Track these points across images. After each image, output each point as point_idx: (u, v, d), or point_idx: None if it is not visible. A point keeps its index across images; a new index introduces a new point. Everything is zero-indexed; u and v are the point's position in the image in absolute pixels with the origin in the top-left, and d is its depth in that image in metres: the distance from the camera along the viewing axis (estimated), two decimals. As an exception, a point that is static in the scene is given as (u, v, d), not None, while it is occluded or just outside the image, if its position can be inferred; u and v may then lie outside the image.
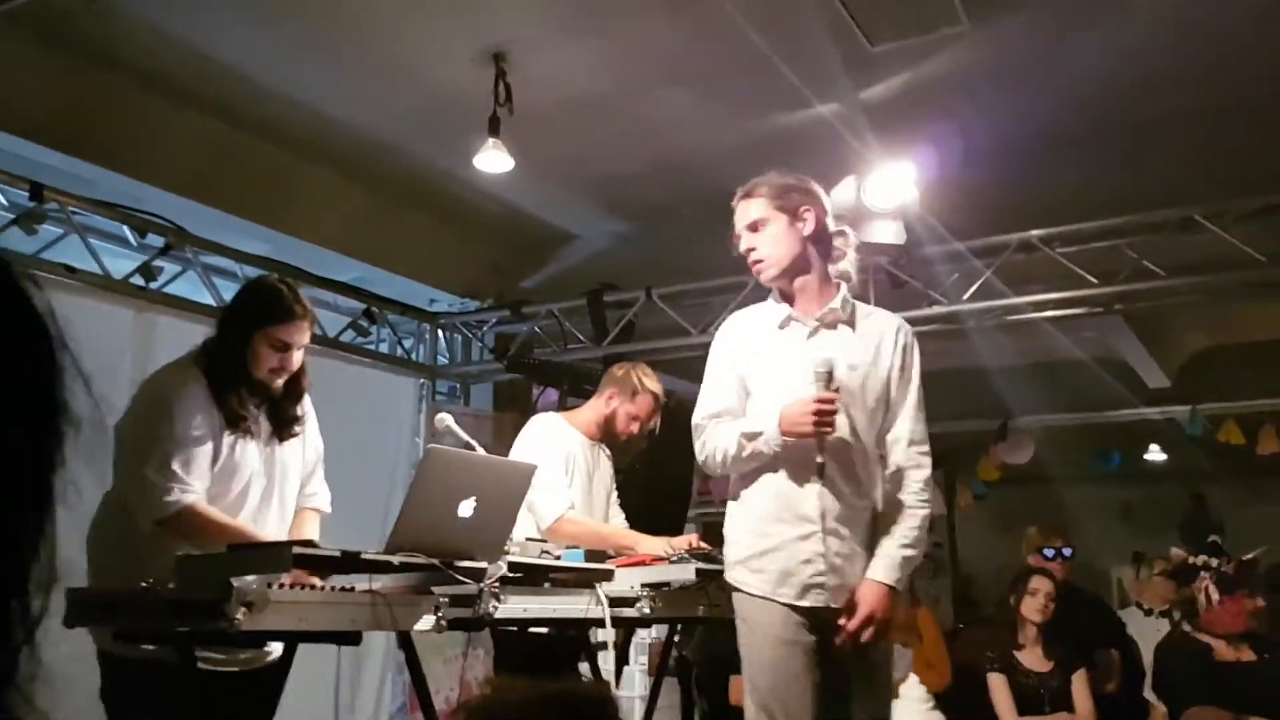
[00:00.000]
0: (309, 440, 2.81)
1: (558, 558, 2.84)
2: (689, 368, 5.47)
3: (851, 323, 2.47)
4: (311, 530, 2.78)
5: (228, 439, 2.53)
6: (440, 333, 6.28)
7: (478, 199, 5.44)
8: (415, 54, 4.16)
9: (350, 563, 2.19)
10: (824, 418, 2.27)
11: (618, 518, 3.73)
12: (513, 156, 4.31)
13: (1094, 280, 4.71)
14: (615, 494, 3.78)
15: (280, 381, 2.63)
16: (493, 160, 4.29)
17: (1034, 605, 4.40)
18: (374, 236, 5.55)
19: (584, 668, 3.40)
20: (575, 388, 5.43)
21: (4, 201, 4.21)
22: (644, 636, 5.58)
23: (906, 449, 2.44)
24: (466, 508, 2.37)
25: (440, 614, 2.34)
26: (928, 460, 2.45)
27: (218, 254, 4.92)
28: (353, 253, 5.46)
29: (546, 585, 2.76)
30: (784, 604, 2.37)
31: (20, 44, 3.95)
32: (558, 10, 3.88)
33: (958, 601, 9.68)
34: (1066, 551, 4.93)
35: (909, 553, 2.38)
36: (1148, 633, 5.19)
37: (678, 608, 3.13)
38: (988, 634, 4.73)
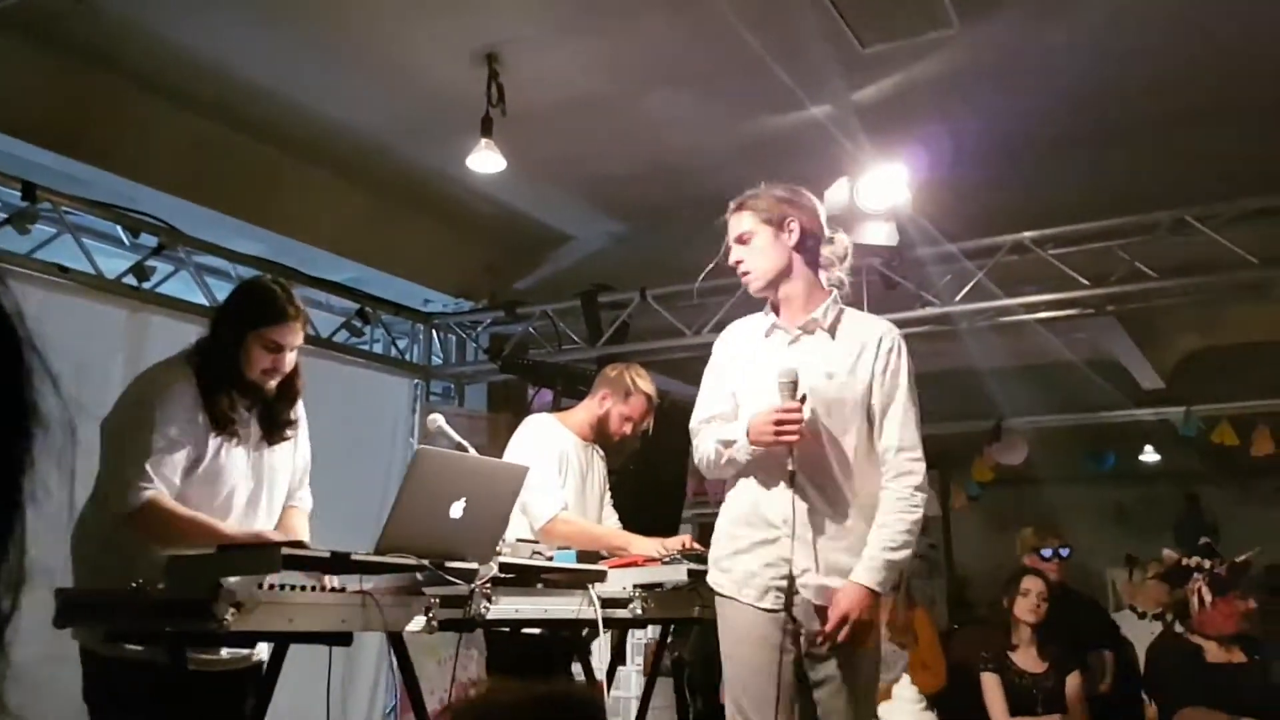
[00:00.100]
0: (300, 446, 2.79)
1: (550, 559, 2.84)
2: (683, 368, 5.49)
3: (833, 330, 2.49)
4: (302, 529, 2.77)
5: (214, 441, 2.52)
6: (435, 333, 6.28)
7: (472, 199, 5.44)
8: (409, 54, 4.17)
9: (340, 563, 2.19)
10: (784, 427, 2.31)
11: (611, 518, 3.73)
12: (507, 157, 4.32)
13: (1086, 282, 4.71)
14: (609, 495, 3.78)
15: (272, 383, 2.61)
16: (485, 161, 4.29)
17: (1026, 606, 4.41)
18: (368, 237, 5.55)
19: (577, 668, 3.40)
20: (569, 388, 5.42)
21: (-3, 201, 4.20)
22: (640, 637, 5.59)
23: (895, 455, 2.44)
24: (457, 509, 2.37)
25: (431, 615, 2.34)
26: (919, 466, 2.44)
27: (211, 254, 4.91)
28: (347, 253, 5.45)
29: (539, 586, 2.76)
30: (747, 604, 2.43)
31: (13, 44, 3.95)
32: (551, 11, 3.89)
33: (952, 602, 9.70)
34: (1064, 552, 4.94)
35: (893, 555, 2.37)
36: (1141, 635, 5.20)
37: (670, 608, 3.14)
38: (982, 634, 4.74)
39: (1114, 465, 8.64)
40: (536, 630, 3.06)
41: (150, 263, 4.62)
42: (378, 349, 5.97)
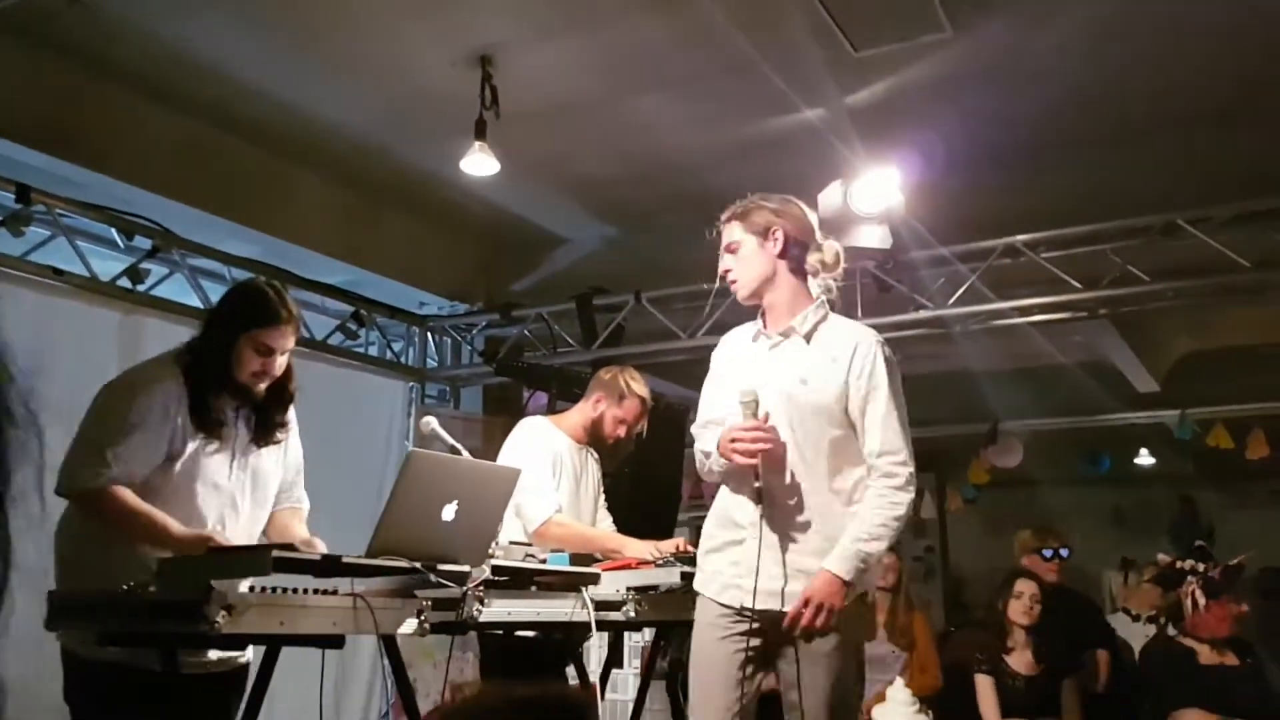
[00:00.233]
0: (290, 449, 2.77)
1: (543, 561, 2.84)
2: (678, 371, 5.50)
3: (809, 336, 2.52)
4: (301, 529, 2.77)
5: (196, 440, 2.50)
6: (429, 336, 6.28)
7: (467, 202, 5.45)
8: (403, 56, 4.17)
9: (331, 566, 2.19)
10: (738, 447, 2.37)
11: (605, 521, 3.73)
12: (501, 159, 4.32)
13: (1079, 285, 4.73)
14: (603, 497, 3.78)
15: (262, 386, 2.60)
16: (479, 163, 4.30)
17: (1019, 608, 4.41)
18: (362, 239, 5.56)
19: (571, 671, 3.40)
20: (564, 391, 5.42)
21: (-9, 203, 4.20)
22: (638, 640, 5.59)
23: (878, 460, 2.45)
24: (449, 511, 2.37)
25: (424, 617, 2.35)
26: (902, 470, 2.43)
27: (205, 256, 4.91)
28: (340, 255, 5.46)
29: (532, 589, 2.76)
30: (709, 598, 2.51)
31: (6, 45, 3.95)
32: (545, 13, 3.89)
33: (949, 605, 9.70)
34: (1064, 553, 4.94)
35: (865, 546, 2.37)
36: (1135, 638, 5.21)
37: (664, 611, 3.13)
38: (977, 637, 4.74)
39: (1109, 468, 8.64)
40: (530, 633, 3.06)
41: (145, 265, 4.63)
42: (373, 351, 5.97)
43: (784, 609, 2.39)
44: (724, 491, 2.57)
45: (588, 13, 3.86)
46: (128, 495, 2.39)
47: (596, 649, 2.96)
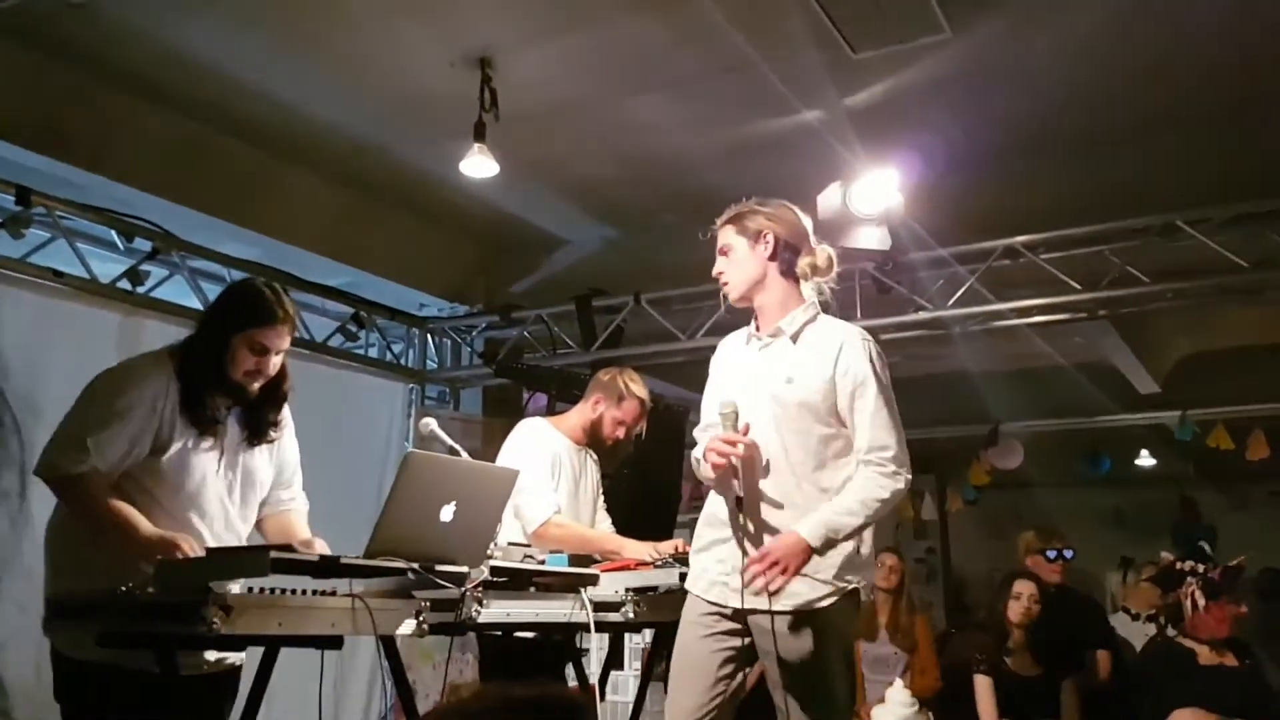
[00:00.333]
0: (284, 448, 2.77)
1: (541, 562, 2.84)
2: (677, 372, 5.51)
3: (796, 337, 2.55)
4: (303, 530, 2.76)
5: (183, 435, 2.49)
6: (429, 337, 6.29)
7: (466, 203, 5.46)
8: (402, 58, 4.18)
9: (330, 567, 2.19)
10: (712, 458, 2.41)
11: (605, 522, 3.74)
12: (501, 161, 4.33)
13: (1078, 286, 4.73)
14: (602, 499, 3.78)
15: (256, 385, 2.59)
16: (479, 165, 4.31)
17: (1018, 609, 4.42)
18: (361, 240, 5.57)
19: (571, 672, 3.40)
20: (564, 393, 5.43)
21: (-10, 205, 4.21)
22: (638, 642, 5.59)
23: (867, 454, 2.46)
24: (447, 512, 2.37)
25: (422, 618, 2.34)
26: (891, 464, 2.44)
27: (205, 258, 4.91)
28: (339, 256, 5.47)
29: (531, 590, 2.76)
30: (697, 595, 2.56)
31: (5, 48, 3.96)
32: (544, 14, 3.90)
33: (950, 606, 9.70)
34: (1067, 554, 4.95)
35: (837, 519, 2.38)
36: (1136, 638, 5.21)
37: (663, 612, 3.13)
38: (977, 638, 4.74)
39: (1110, 469, 8.64)
40: (530, 634, 3.06)
41: (144, 267, 4.64)
42: (373, 353, 5.98)
43: (769, 609, 2.40)
44: (713, 493, 2.63)
45: (586, 14, 3.87)
46: (101, 488, 2.38)
47: (596, 650, 2.96)
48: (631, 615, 2.97)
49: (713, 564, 2.54)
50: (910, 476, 2.46)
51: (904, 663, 5.01)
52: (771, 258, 2.57)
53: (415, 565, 2.29)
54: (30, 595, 2.57)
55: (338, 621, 2.20)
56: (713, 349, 2.77)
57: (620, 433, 3.63)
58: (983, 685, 4.37)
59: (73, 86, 4.23)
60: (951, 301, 4.92)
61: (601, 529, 3.66)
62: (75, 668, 2.35)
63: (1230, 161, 4.57)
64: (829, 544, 2.37)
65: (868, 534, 2.51)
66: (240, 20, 3.92)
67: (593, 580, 2.90)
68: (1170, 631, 4.15)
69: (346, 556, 2.21)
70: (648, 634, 4.66)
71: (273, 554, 2.09)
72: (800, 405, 2.46)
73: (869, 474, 2.43)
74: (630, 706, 3.52)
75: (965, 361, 5.88)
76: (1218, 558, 4.24)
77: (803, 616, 2.42)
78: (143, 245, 4.66)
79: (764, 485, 2.47)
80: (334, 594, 2.23)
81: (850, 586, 2.45)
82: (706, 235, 2.67)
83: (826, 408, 2.46)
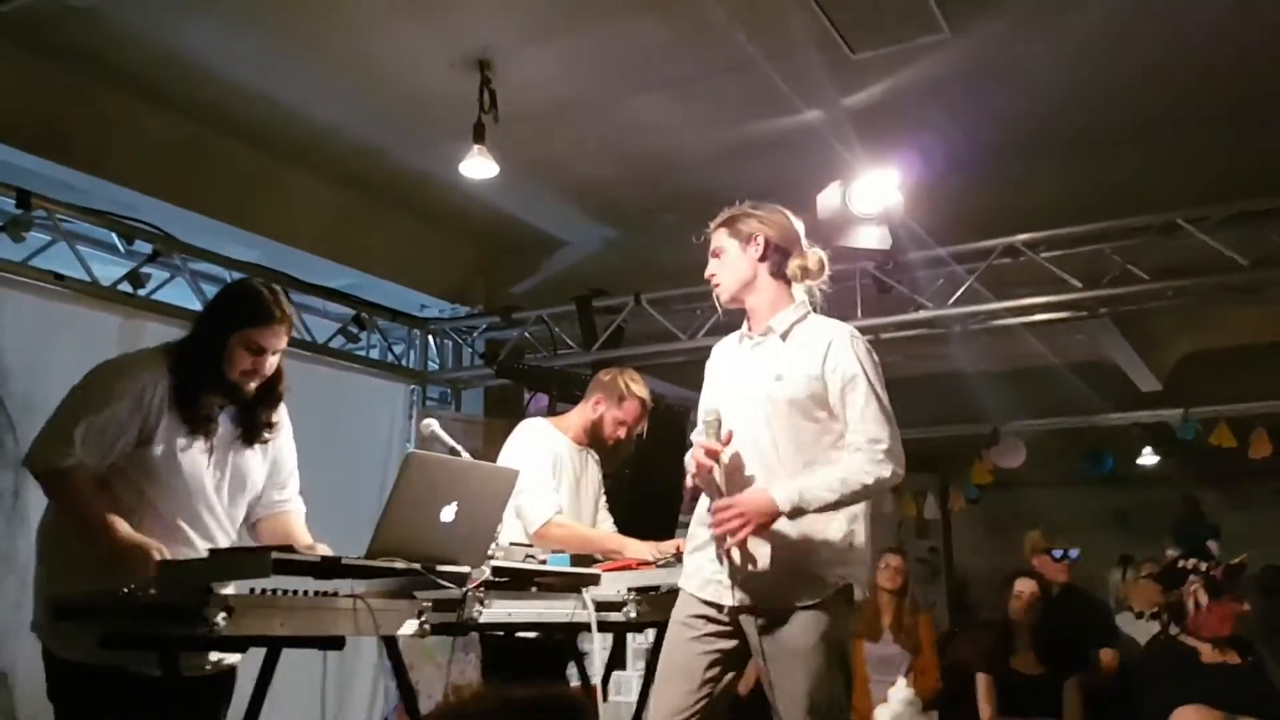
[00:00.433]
0: (280, 449, 2.76)
1: (543, 562, 2.84)
2: (678, 372, 5.50)
3: (785, 335, 2.58)
4: (303, 533, 2.76)
5: (172, 431, 2.48)
6: (430, 338, 6.30)
7: (466, 204, 5.46)
8: (402, 60, 4.18)
9: (331, 568, 2.19)
10: (689, 466, 2.46)
11: (606, 522, 3.74)
12: (500, 162, 4.34)
13: (1078, 284, 4.73)
14: (603, 498, 3.79)
15: (252, 385, 2.58)
16: (478, 167, 4.31)
17: (1018, 608, 4.42)
18: (361, 241, 5.58)
19: (573, 672, 3.40)
20: (565, 393, 5.43)
21: (-9, 209, 4.22)
22: (641, 642, 5.58)
23: (858, 446, 2.47)
24: (449, 512, 2.37)
25: (424, 619, 2.34)
26: (879, 456, 2.44)
27: (206, 261, 4.92)
28: (340, 258, 5.48)
29: (532, 590, 2.76)
30: (690, 594, 2.58)
31: (4, 50, 3.96)
32: (543, 15, 3.90)
33: (953, 605, 9.69)
34: (1073, 553, 4.95)
35: (812, 489, 2.38)
36: (1141, 636, 5.19)
37: (665, 612, 3.12)
38: (980, 637, 4.75)
39: (1112, 468, 8.63)
40: (532, 634, 3.06)
41: (145, 270, 4.64)
42: (374, 354, 5.99)
43: (763, 604, 2.43)
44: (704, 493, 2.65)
45: (586, 14, 3.87)
46: (87, 484, 2.39)
47: (599, 650, 2.96)
48: (633, 615, 2.96)
49: (706, 563, 2.55)
50: (902, 471, 2.46)
51: (908, 663, 5.02)
52: (762, 259, 2.60)
53: (417, 566, 2.29)
54: (27, 594, 2.57)
55: (340, 622, 2.20)
56: (713, 349, 2.79)
57: (621, 433, 3.63)
58: (984, 684, 4.37)
59: (72, 88, 4.24)
60: (952, 301, 4.92)
61: (603, 529, 3.66)
62: (69, 669, 2.35)
63: (1230, 160, 4.57)
64: (798, 511, 2.38)
65: (860, 530, 2.52)
66: (240, 22, 3.93)
67: (594, 580, 2.90)
68: (1173, 630, 4.15)
69: (348, 557, 2.21)
70: (650, 634, 4.65)
71: (274, 555, 2.09)
72: (790, 402, 2.49)
73: (857, 458, 2.44)
74: (633, 707, 3.52)
75: (966, 361, 5.88)
76: (1221, 556, 4.24)
77: (795, 614, 2.43)
78: (143, 248, 4.66)
79: (758, 482, 2.48)
80: (336, 594, 2.23)
81: (843, 583, 2.46)
82: (700, 239, 2.71)
83: (815, 404, 2.49)
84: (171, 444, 2.49)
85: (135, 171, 4.50)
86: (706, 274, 2.69)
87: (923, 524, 9.51)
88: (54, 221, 4.32)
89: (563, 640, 3.23)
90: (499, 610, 2.52)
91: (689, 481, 2.53)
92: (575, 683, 3.37)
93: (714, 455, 2.44)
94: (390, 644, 2.49)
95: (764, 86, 4.16)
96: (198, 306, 4.71)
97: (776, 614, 2.44)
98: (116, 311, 4.45)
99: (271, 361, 2.59)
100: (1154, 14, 3.81)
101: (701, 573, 2.56)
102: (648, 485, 5.62)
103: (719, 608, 2.50)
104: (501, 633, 2.98)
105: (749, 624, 2.48)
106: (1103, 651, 4.83)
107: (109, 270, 4.57)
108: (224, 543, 2.59)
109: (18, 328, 4.01)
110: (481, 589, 2.45)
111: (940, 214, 4.61)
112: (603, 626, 2.85)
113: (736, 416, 2.50)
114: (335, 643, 2.30)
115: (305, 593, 2.19)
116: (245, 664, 2.54)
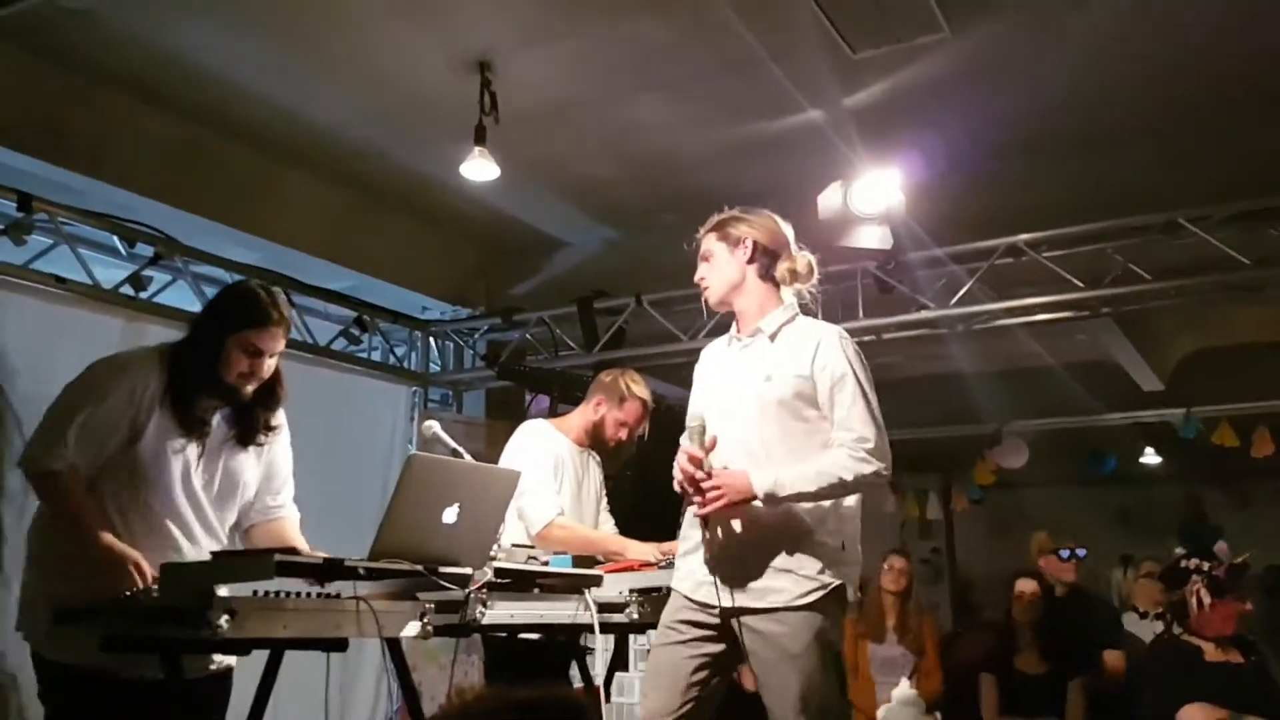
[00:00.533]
0: (276, 454, 2.74)
1: (545, 563, 2.85)
2: (679, 373, 5.49)
3: (774, 336, 2.60)
4: (297, 539, 2.75)
5: (165, 430, 2.48)
6: (432, 340, 6.30)
7: (467, 205, 5.47)
8: (402, 61, 4.18)
9: (334, 569, 2.19)
10: (675, 473, 2.48)
11: (608, 524, 3.74)
12: (501, 163, 4.34)
13: (1080, 284, 4.73)
14: (605, 500, 3.79)
15: (249, 388, 2.57)
16: (479, 169, 4.32)
17: (1020, 607, 4.42)
18: (361, 243, 5.58)
19: (576, 673, 3.40)
20: (566, 394, 5.43)
21: (-8, 212, 4.22)
22: (643, 643, 5.58)
23: (843, 443, 2.48)
24: (450, 514, 2.37)
25: (426, 620, 2.35)
26: (866, 453, 2.45)
27: (207, 263, 4.91)
28: (340, 259, 5.48)
29: (535, 591, 2.76)
30: (682, 594, 2.59)
31: (4, 52, 3.97)
32: (543, 16, 3.90)
33: (956, 606, 9.69)
34: (1080, 553, 4.95)
35: (790, 478, 2.40)
36: (1144, 635, 5.19)
37: (666, 613, 3.13)
38: (983, 637, 4.75)
39: (1115, 468, 8.63)
40: (534, 635, 3.06)
41: (147, 272, 4.64)
42: (375, 357, 5.99)
43: (754, 605, 2.44)
44: None
45: (586, 14, 3.87)
46: (77, 488, 2.39)
47: (601, 651, 2.96)
48: (635, 616, 2.97)
49: (697, 564, 2.55)
50: (887, 471, 2.47)
51: (912, 664, 5.02)
52: (750, 261, 2.63)
53: (419, 567, 2.29)
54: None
55: (343, 624, 2.21)
56: (714, 349, 2.79)
57: (622, 434, 3.63)
58: (987, 684, 4.37)
59: (71, 90, 4.24)
60: (954, 301, 4.92)
61: (605, 530, 3.66)
62: (60, 671, 2.34)
63: (1231, 159, 4.57)
64: (771, 498, 2.40)
65: (851, 531, 2.53)
66: (240, 23, 3.93)
67: (596, 581, 2.90)
68: (1176, 629, 4.15)
69: (350, 559, 2.22)
70: (652, 635, 4.66)
71: (278, 557, 2.09)
72: (780, 403, 2.51)
73: (839, 453, 2.45)
74: (635, 708, 3.52)
75: (968, 361, 5.88)
76: (1221, 555, 4.24)
77: (786, 615, 2.43)
78: (145, 250, 4.66)
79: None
80: (338, 597, 2.23)
81: (835, 584, 2.46)
82: (691, 244, 2.73)
83: (804, 404, 2.50)
84: (161, 443, 2.48)
85: (135, 173, 4.50)
86: (696, 278, 2.71)
87: (925, 525, 9.51)
88: (55, 224, 4.32)
89: (565, 641, 3.22)
90: (501, 612, 2.53)
91: (676, 487, 2.54)
92: (578, 684, 3.37)
93: (696, 463, 2.44)
94: (393, 646, 2.49)
95: (764, 86, 4.16)
96: (199, 309, 4.72)
97: (768, 615, 2.44)
98: (119, 314, 4.45)
99: (269, 364, 2.58)
100: (1154, 14, 3.81)
101: (694, 575, 2.56)
102: (649, 486, 5.60)
103: (711, 609, 2.50)
104: (504, 634, 2.98)
105: (741, 624, 2.47)
106: (1108, 654, 4.82)
107: (110, 273, 4.57)
108: (210, 546, 2.57)
109: (20, 331, 4.01)
110: (484, 590, 2.45)
111: (941, 214, 4.61)
112: (605, 628, 2.85)
113: (726, 418, 2.52)
114: (338, 645, 2.30)
115: (308, 595, 2.19)
116: (248, 666, 2.53)
